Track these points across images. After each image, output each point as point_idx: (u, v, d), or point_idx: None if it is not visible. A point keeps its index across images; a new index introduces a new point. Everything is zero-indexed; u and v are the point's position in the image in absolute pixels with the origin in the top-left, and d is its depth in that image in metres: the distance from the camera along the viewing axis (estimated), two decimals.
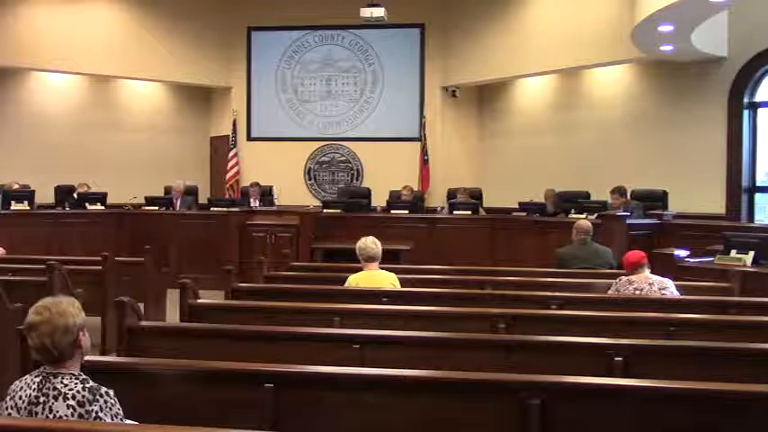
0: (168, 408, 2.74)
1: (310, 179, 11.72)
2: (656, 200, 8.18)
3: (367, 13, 9.65)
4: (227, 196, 11.00)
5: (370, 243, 4.87)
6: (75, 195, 9.56)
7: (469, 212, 9.26)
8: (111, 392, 2.32)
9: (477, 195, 9.95)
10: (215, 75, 11.64)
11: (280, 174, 11.13)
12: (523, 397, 2.57)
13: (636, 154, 9.21)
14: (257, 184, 10.24)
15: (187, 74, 11.39)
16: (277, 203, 10.23)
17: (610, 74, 9.68)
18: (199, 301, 4.25)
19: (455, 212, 9.35)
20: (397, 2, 10.27)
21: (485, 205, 9.87)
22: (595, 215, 7.55)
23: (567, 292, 4.81)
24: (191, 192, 10.17)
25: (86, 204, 9.28)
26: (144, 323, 3.63)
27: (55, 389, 2.28)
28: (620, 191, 7.90)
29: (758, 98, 8.33)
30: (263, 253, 7.68)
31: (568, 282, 5.31)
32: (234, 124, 11.63)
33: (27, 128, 10.69)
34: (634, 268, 4.75)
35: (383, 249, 4.94)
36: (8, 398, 2.34)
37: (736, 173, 8.32)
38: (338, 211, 9.41)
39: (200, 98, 12.25)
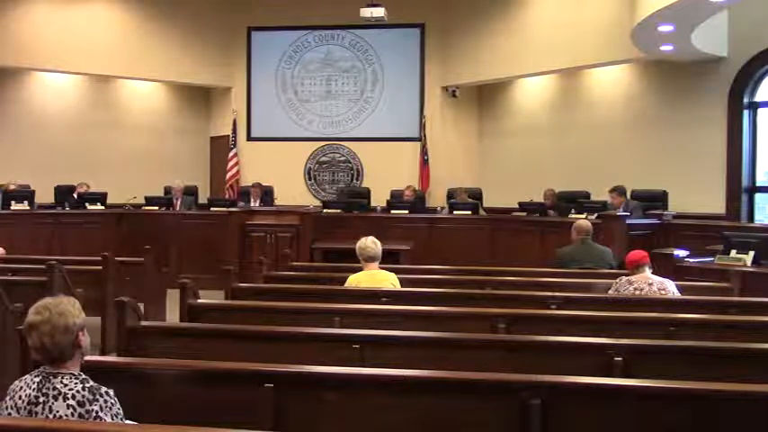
0: (168, 408, 2.73)
1: (310, 179, 11.71)
2: (656, 200, 8.18)
3: (367, 13, 9.64)
4: (227, 196, 11.00)
5: (370, 243, 4.87)
6: (75, 195, 9.56)
7: (469, 212, 9.24)
8: (111, 392, 2.32)
9: (476, 195, 9.93)
10: (215, 75, 11.63)
11: (280, 174, 11.12)
12: (524, 397, 2.56)
13: (636, 154, 9.20)
14: (259, 184, 10.23)
15: (187, 74, 11.38)
16: (276, 202, 10.23)
17: (610, 74, 9.68)
18: (199, 301, 4.24)
19: (455, 212, 9.34)
20: (397, 2, 10.26)
21: (485, 205, 9.86)
22: (595, 215, 7.55)
23: (567, 292, 4.80)
24: (191, 192, 10.18)
25: (86, 204, 9.29)
26: (144, 323, 3.62)
27: (55, 389, 2.28)
28: (618, 189, 7.91)
29: (758, 98, 8.32)
30: (263, 253, 7.67)
31: (568, 282, 5.30)
32: (234, 124, 11.62)
33: (27, 128, 10.69)
34: (635, 267, 4.77)
35: (383, 249, 4.94)
36: (8, 398, 2.34)
37: (736, 173, 8.31)
38: (338, 211, 9.41)
39: (200, 98, 12.25)
